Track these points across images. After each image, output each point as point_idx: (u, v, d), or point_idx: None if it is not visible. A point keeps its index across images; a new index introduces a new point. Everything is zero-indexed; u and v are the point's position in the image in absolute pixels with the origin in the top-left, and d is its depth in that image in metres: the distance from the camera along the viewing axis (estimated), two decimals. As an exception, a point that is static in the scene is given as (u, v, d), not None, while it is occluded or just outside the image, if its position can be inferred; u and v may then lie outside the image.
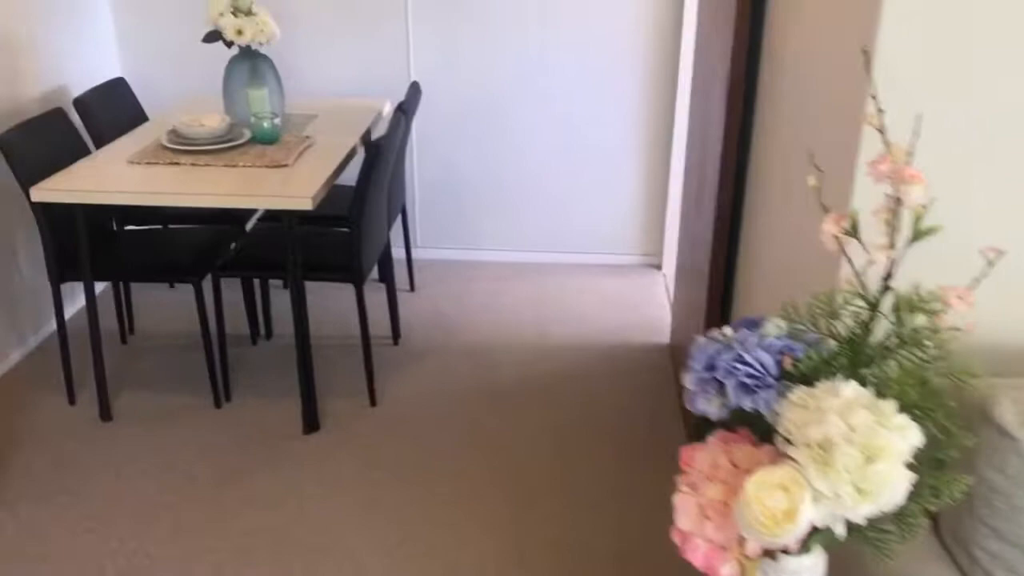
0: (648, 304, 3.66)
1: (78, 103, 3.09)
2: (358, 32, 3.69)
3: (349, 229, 2.73)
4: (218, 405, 2.92)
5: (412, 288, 3.77)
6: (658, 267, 3.98)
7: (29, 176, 2.63)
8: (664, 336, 3.40)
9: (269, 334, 3.37)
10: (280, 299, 3.62)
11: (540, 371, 3.15)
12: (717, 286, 2.40)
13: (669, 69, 3.66)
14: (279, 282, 3.67)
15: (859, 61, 1.41)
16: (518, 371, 3.15)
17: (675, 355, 3.17)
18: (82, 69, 3.53)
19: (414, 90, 3.25)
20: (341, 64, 3.74)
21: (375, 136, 3.78)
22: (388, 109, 3.59)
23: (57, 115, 2.94)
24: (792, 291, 1.78)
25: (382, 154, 2.67)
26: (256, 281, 3.35)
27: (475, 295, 3.73)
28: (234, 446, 2.72)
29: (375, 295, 3.63)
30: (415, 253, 4.02)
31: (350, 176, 3.06)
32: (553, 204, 3.94)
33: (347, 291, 3.66)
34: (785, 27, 1.90)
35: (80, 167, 2.72)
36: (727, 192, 2.29)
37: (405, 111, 2.98)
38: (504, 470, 2.62)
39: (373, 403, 2.94)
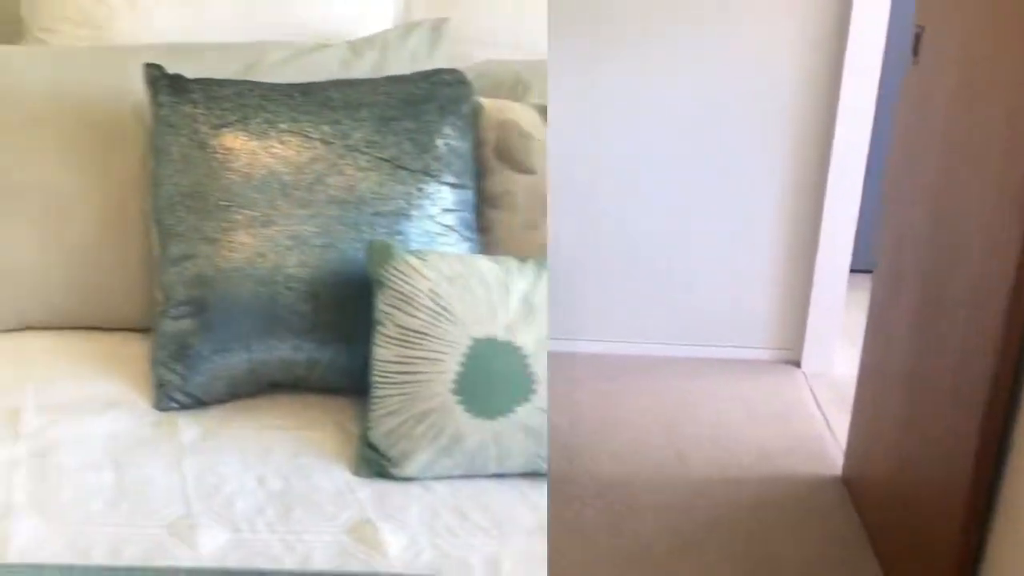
0: (795, 415, 3.07)
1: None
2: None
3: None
4: None
5: (512, 393, 3.20)
6: (796, 364, 3.40)
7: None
8: (830, 464, 2.80)
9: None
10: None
11: (690, 519, 2.56)
12: (995, 422, 1.81)
13: (819, 138, 3.09)
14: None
15: None
16: (663, 518, 2.57)
17: (856, 493, 2.58)
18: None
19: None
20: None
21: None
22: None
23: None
24: None
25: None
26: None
27: (587, 401, 3.15)
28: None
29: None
30: (510, 347, 3.46)
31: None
32: (668, 288, 3.37)
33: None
34: None
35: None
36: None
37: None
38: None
39: (495, 570, 2.37)
